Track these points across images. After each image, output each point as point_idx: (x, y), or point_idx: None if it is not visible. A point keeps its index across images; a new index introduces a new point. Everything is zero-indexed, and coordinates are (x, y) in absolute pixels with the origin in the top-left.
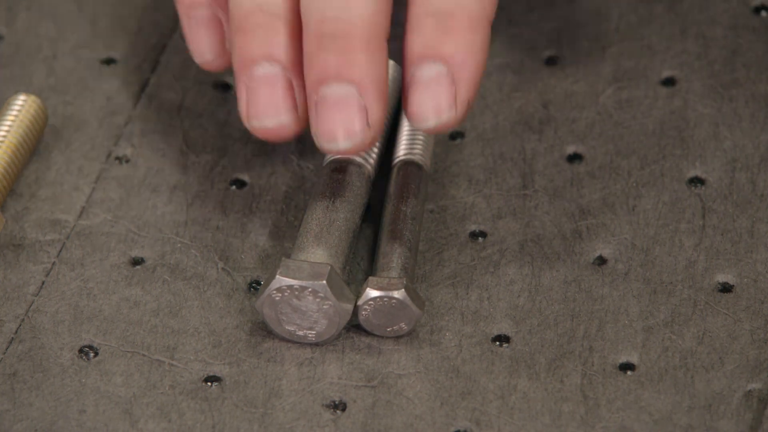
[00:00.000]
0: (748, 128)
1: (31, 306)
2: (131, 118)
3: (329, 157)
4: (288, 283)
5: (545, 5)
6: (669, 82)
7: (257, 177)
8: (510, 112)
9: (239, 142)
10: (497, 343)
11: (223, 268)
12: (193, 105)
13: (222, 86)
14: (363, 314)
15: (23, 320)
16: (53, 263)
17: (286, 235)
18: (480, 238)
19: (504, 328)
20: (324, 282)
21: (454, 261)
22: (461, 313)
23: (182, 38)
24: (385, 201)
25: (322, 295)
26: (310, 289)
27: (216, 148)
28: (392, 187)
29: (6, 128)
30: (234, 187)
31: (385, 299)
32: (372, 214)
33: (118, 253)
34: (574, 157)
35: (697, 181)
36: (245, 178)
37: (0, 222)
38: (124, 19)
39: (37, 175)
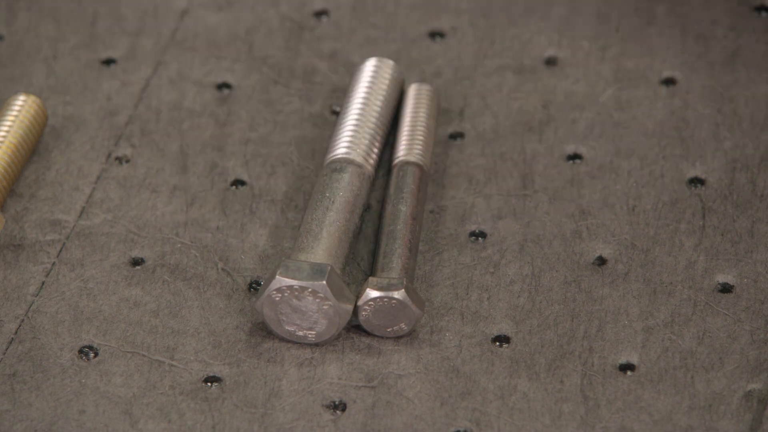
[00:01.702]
0: (748, 128)
1: (31, 306)
2: (131, 118)
3: (329, 157)
4: (288, 284)
5: (545, 5)
6: (669, 82)
7: (257, 177)
8: (510, 112)
9: (239, 142)
10: (497, 343)
11: (223, 269)
12: (193, 105)
13: (222, 86)
14: (363, 314)
15: (23, 320)
16: (53, 263)
17: (286, 235)
18: (480, 238)
19: (504, 328)
20: (324, 282)
21: (454, 261)
22: (461, 314)
23: (183, 38)
24: (385, 201)
25: (321, 295)
26: (309, 290)
27: (216, 148)
28: (392, 187)
29: (6, 128)
30: (234, 187)
31: (386, 299)
32: (372, 214)
33: (118, 254)
34: (574, 157)
35: (697, 181)
36: (245, 178)
37: (0, 222)
38: (124, 19)
39: (37, 175)
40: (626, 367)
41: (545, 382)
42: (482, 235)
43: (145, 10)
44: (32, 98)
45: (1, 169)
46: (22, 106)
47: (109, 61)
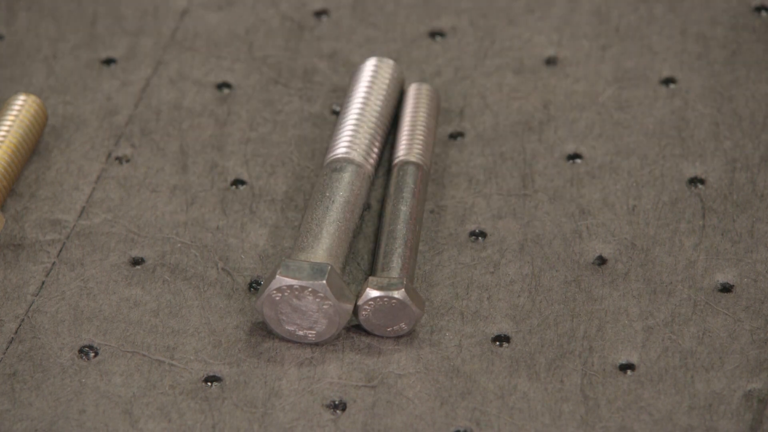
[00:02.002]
0: (748, 128)
1: (31, 306)
2: (131, 118)
3: (329, 157)
4: (288, 283)
5: (545, 5)
6: (669, 82)
7: (257, 177)
8: (510, 112)
9: (239, 142)
10: (497, 343)
11: (223, 268)
12: (193, 105)
13: (222, 86)
14: (363, 314)
15: (23, 320)
16: (53, 263)
17: (286, 235)
18: (480, 238)
19: (504, 328)
20: (324, 282)
21: (454, 261)
22: (461, 313)
23: (183, 38)
24: (385, 201)
25: (322, 294)
26: (310, 289)
27: (216, 148)
28: (392, 187)
29: (6, 128)
30: (234, 186)
31: (386, 299)
32: (372, 214)
33: (118, 253)
34: (574, 157)
35: (697, 181)
36: (245, 177)
37: (0, 222)
38: (124, 19)
39: (37, 175)
40: (626, 367)
41: (545, 381)
42: (482, 234)
43: (145, 10)
44: (32, 98)
45: (1, 169)
46: (22, 106)
47: (109, 61)
